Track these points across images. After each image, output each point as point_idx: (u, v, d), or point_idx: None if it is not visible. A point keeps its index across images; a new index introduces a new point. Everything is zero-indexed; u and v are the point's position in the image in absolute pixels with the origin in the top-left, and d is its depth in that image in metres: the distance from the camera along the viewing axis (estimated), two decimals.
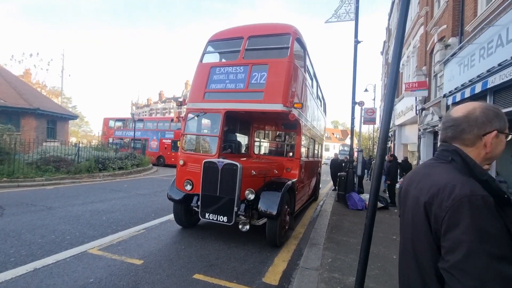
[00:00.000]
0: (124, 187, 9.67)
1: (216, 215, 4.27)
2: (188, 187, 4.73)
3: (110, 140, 21.52)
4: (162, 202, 7.20)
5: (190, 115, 5.18)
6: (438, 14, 9.24)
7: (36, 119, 16.50)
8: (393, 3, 19.82)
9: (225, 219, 4.22)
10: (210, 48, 5.46)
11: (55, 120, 18.35)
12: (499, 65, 5.21)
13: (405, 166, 10.32)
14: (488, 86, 5.48)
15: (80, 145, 12.67)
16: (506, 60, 4.97)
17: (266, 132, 7.06)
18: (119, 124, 23.61)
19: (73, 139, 32.59)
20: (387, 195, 8.60)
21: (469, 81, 6.42)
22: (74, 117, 22.21)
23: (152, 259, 3.68)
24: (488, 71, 5.59)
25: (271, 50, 5.03)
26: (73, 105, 43.77)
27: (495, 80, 5.27)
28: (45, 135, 17.02)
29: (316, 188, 9.20)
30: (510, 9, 4.98)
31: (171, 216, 5.44)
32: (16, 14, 79.41)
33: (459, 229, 0.82)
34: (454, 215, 0.84)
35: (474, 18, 6.76)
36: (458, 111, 1.02)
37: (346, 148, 37.87)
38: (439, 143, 1.10)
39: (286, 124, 6.21)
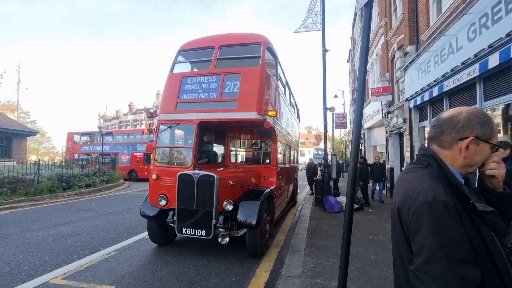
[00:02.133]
0: (92, 206, 9.00)
1: (193, 230, 4.10)
2: (163, 202, 4.51)
3: (76, 156, 20.13)
4: (135, 219, 6.79)
5: (162, 127, 4.99)
6: (396, 24, 9.99)
7: None
8: (355, 14, 21.12)
9: (203, 233, 4.07)
10: (180, 58, 5.35)
11: (10, 137, 16.77)
12: (451, 70, 5.71)
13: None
14: (444, 90, 5.97)
15: (41, 163, 11.65)
16: (457, 66, 5.46)
17: (242, 140, 7.01)
18: (85, 138, 22.19)
19: (33, 157, 29.91)
20: (361, 195, 8.91)
21: (427, 85, 6.95)
22: (33, 133, 20.46)
23: (125, 283, 3.41)
24: (443, 76, 6.09)
25: (243, 59, 5.04)
26: (31, 120, 40.42)
27: (449, 84, 5.76)
28: None
29: (294, 193, 9.28)
30: (457, 21, 5.51)
31: (146, 234, 5.13)
32: None
33: (422, 233, 0.85)
34: (417, 220, 0.87)
35: (427, 28, 7.38)
36: (446, 113, 1.02)
37: (320, 152, 39.00)
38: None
39: (261, 132, 6.22)
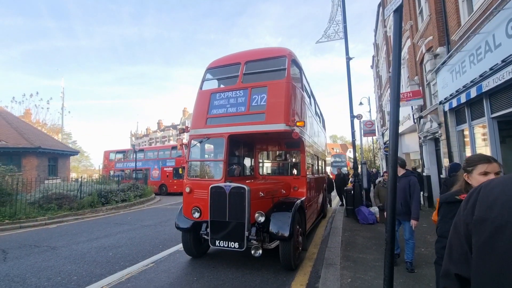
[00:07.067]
0: (128, 219, 9.46)
1: (226, 242, 4.15)
2: (196, 215, 4.64)
3: (111, 172, 21.43)
4: (169, 232, 7.00)
5: (194, 142, 5.20)
6: (423, 27, 9.65)
7: (38, 158, 16.52)
8: (377, 20, 20.76)
9: (236, 245, 4.09)
10: (208, 76, 5.61)
11: (56, 157, 18.37)
12: (490, 69, 5.35)
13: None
14: (483, 90, 5.59)
15: (82, 180, 12.59)
16: (497, 64, 5.11)
17: (270, 152, 7.06)
18: (119, 156, 23.63)
19: (73, 175, 32.33)
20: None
21: (463, 86, 6.55)
22: (75, 152, 22.24)
23: None
24: (480, 75, 5.72)
25: (269, 72, 5.16)
26: (72, 141, 43.98)
27: (489, 84, 5.39)
28: (46, 173, 16.95)
29: (324, 204, 9.04)
30: (493, 17, 5.22)
31: (180, 246, 5.28)
32: (18, 59, 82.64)
33: None
34: None
35: (459, 28, 7.05)
36: None
37: (338, 159, 36.20)
38: None
39: (289, 143, 6.23)
